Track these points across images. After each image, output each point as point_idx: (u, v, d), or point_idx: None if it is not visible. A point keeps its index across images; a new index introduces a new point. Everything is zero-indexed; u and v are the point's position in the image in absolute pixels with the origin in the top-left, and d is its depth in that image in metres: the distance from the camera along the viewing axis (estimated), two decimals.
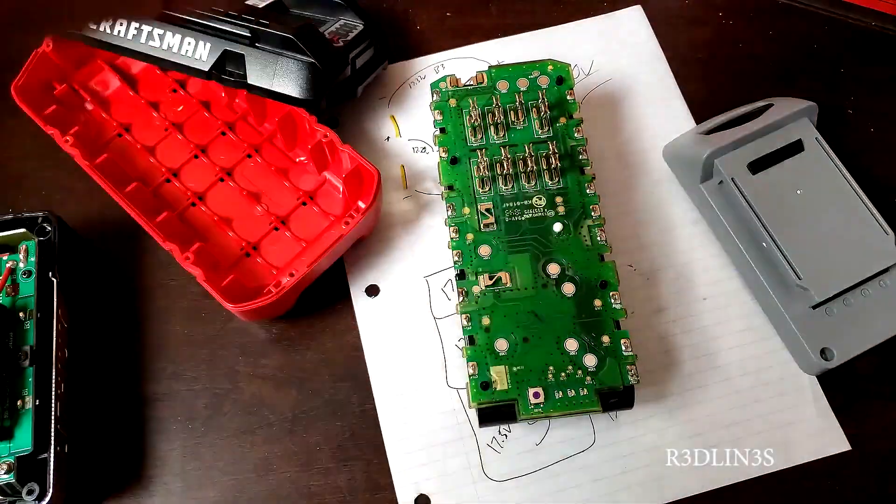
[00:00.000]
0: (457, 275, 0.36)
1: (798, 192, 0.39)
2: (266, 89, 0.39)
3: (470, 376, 0.34)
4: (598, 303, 0.35)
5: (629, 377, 0.34)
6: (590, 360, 0.34)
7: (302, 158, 0.42)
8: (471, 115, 0.39)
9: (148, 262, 0.41)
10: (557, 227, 0.37)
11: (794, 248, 0.37)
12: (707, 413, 0.37)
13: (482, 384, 0.34)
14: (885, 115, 0.44)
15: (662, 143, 0.43)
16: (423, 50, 0.47)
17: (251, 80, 0.39)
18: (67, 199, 0.43)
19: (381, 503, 0.36)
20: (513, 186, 0.38)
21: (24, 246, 0.38)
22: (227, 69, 0.39)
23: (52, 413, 0.34)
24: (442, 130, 0.39)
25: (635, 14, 0.48)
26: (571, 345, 0.34)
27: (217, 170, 0.42)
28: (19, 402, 0.34)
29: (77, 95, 0.44)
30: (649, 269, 0.41)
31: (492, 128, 0.39)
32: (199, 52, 0.39)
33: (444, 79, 0.40)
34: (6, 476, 0.32)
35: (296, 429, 0.38)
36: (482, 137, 0.39)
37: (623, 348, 0.34)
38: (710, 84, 0.45)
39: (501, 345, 0.34)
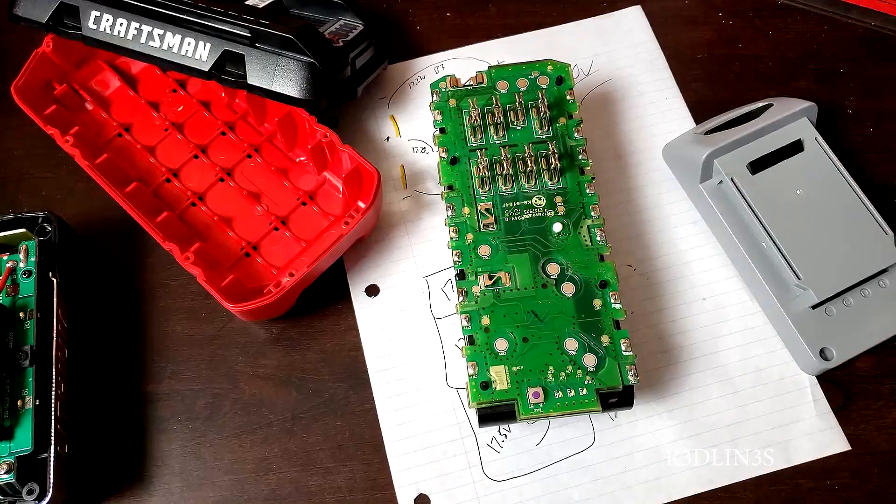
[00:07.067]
0: (456, 275, 0.36)
1: (798, 192, 0.39)
2: (266, 89, 0.39)
3: (470, 376, 0.34)
4: (597, 303, 0.35)
5: (629, 377, 0.34)
6: (589, 360, 0.34)
7: (302, 158, 0.42)
8: (470, 116, 0.39)
9: (148, 262, 0.41)
10: (557, 227, 0.37)
11: (793, 248, 0.37)
12: (707, 413, 0.37)
13: (482, 384, 0.34)
14: (884, 115, 0.44)
15: (662, 143, 0.43)
16: (423, 50, 0.47)
17: (251, 80, 0.39)
18: (67, 199, 0.43)
19: (380, 503, 0.36)
20: (512, 186, 0.38)
21: (24, 246, 0.38)
22: (227, 69, 0.40)
23: (53, 413, 0.34)
24: (442, 130, 0.39)
25: (635, 14, 0.48)
26: (571, 345, 0.34)
27: (217, 170, 0.42)
28: (19, 402, 0.34)
29: (77, 95, 0.44)
30: (649, 269, 0.41)
31: (491, 128, 0.39)
32: (199, 52, 0.39)
33: (443, 79, 0.40)
34: (6, 476, 0.33)
35: (295, 428, 0.38)
36: (482, 137, 0.39)
37: (622, 348, 0.34)
38: (709, 84, 0.45)
39: (501, 345, 0.34)
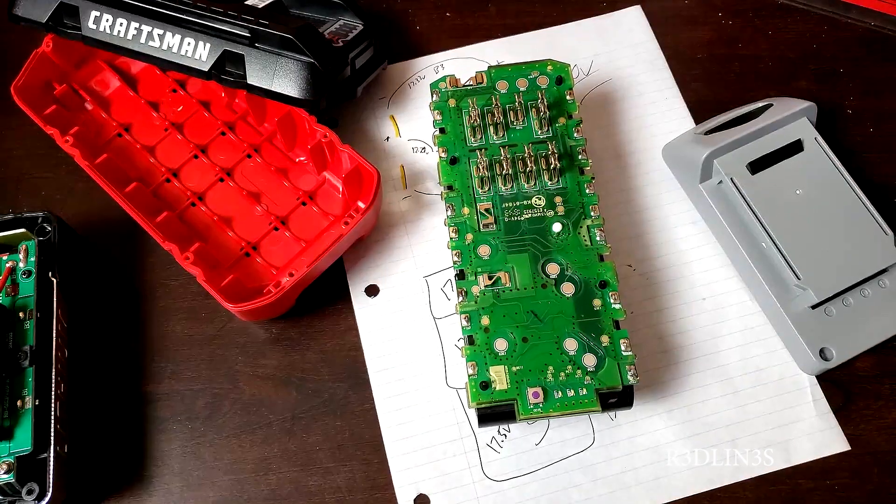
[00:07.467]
0: (456, 275, 0.36)
1: (797, 192, 0.39)
2: (266, 89, 0.39)
3: (469, 376, 0.34)
4: (597, 303, 0.35)
5: (628, 377, 0.34)
6: (589, 360, 0.34)
7: (302, 158, 0.42)
8: (470, 116, 0.39)
9: (148, 262, 0.41)
10: (557, 227, 0.37)
11: (793, 248, 0.37)
12: (707, 413, 0.37)
13: (481, 384, 0.34)
14: (884, 115, 0.44)
15: (662, 143, 0.43)
16: (423, 50, 0.47)
17: (251, 80, 0.39)
18: (67, 199, 0.43)
19: (380, 503, 0.36)
20: (512, 186, 0.38)
21: (24, 246, 0.38)
22: (227, 69, 0.40)
23: (52, 413, 0.34)
24: (441, 130, 0.39)
25: (635, 14, 0.48)
26: (571, 345, 0.34)
27: (217, 170, 0.42)
28: (19, 402, 0.34)
29: (77, 95, 0.44)
30: (648, 269, 0.41)
31: (491, 128, 0.39)
32: (198, 52, 0.39)
33: (443, 79, 0.40)
34: (6, 476, 0.33)
35: (295, 428, 0.38)
36: (481, 137, 0.39)
37: (622, 348, 0.34)
38: (709, 84, 0.45)
39: (501, 345, 0.34)
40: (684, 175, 0.41)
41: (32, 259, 0.37)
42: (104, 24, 0.40)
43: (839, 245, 0.38)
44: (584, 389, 0.34)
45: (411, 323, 0.40)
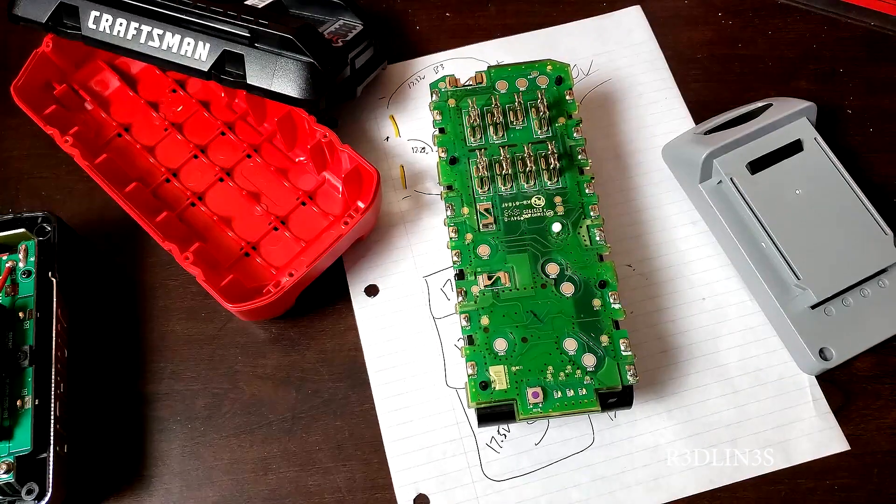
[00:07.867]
0: (456, 275, 0.36)
1: (797, 192, 0.39)
2: (265, 89, 0.39)
3: (469, 376, 0.34)
4: (596, 303, 0.35)
5: (628, 377, 0.34)
6: (589, 360, 0.34)
7: (301, 158, 0.42)
8: (470, 116, 0.39)
9: (147, 262, 0.41)
10: (556, 227, 0.37)
11: (793, 248, 0.37)
12: (706, 413, 0.37)
13: (481, 384, 0.34)
14: (884, 115, 0.44)
15: (662, 143, 0.43)
16: (423, 50, 0.47)
17: (250, 80, 0.39)
18: (67, 199, 0.43)
19: (379, 503, 0.36)
20: (512, 186, 0.38)
21: (23, 246, 0.38)
22: (227, 69, 0.40)
23: (52, 413, 0.34)
24: (441, 130, 0.39)
25: (635, 14, 0.48)
26: (570, 345, 0.34)
27: (217, 170, 0.42)
28: (19, 402, 0.34)
29: (77, 95, 0.44)
30: (648, 269, 0.41)
31: (491, 128, 0.39)
32: (198, 52, 0.39)
33: (443, 79, 0.40)
34: (6, 476, 0.33)
35: (295, 428, 0.38)
36: (481, 137, 0.39)
37: (622, 348, 0.34)
38: (709, 84, 0.45)
39: (500, 345, 0.34)
40: (684, 175, 0.41)
41: (32, 259, 0.37)
42: (104, 24, 0.40)
43: (839, 245, 0.38)
44: (584, 389, 0.34)
45: (411, 323, 0.40)
